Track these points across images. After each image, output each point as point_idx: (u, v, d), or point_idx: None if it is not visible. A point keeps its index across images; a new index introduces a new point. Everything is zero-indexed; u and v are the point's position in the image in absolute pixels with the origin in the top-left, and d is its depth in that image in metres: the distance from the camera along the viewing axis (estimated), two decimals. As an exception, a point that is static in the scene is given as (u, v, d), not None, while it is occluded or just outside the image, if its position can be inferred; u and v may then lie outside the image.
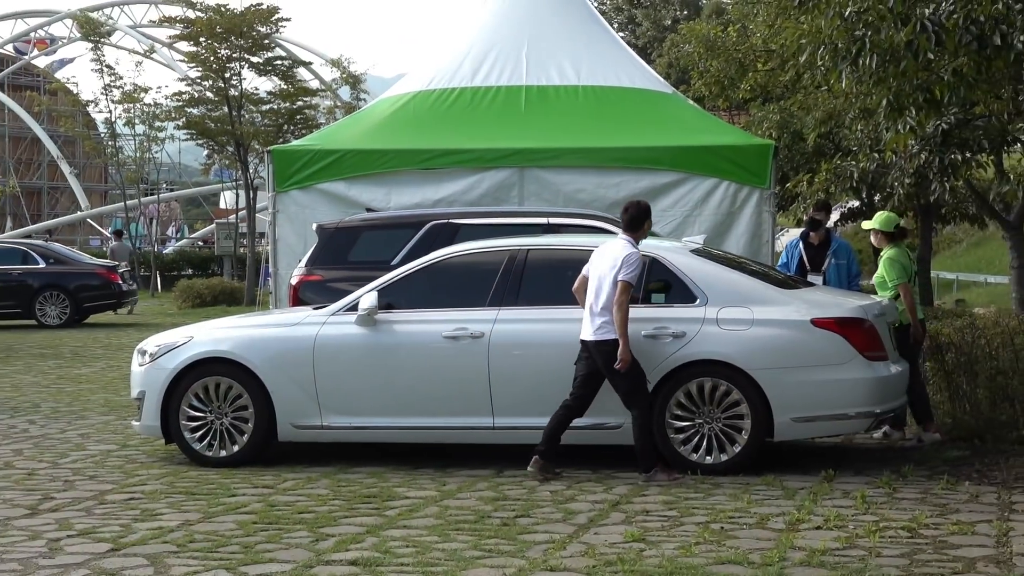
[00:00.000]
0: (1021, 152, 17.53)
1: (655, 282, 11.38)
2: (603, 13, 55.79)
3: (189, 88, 44.24)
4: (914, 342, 12.50)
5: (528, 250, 11.88)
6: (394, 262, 13.73)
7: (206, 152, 51.55)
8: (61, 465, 11.99)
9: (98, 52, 49.74)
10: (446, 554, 8.33)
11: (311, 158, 17.04)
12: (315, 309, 12.26)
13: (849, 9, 11.35)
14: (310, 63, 67.20)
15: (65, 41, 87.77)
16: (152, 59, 73.80)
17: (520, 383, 11.37)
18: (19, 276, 30.52)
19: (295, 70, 47.33)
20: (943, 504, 9.72)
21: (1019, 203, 18.99)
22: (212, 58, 41.92)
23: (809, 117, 21.57)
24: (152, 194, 63.21)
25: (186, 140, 49.65)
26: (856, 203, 23.58)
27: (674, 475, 10.73)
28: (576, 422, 11.06)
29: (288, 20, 44.01)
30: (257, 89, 44.11)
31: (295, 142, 21.10)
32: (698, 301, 11.20)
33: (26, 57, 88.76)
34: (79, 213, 76.67)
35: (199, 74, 43.37)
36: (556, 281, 11.78)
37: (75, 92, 58.38)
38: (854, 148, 19.26)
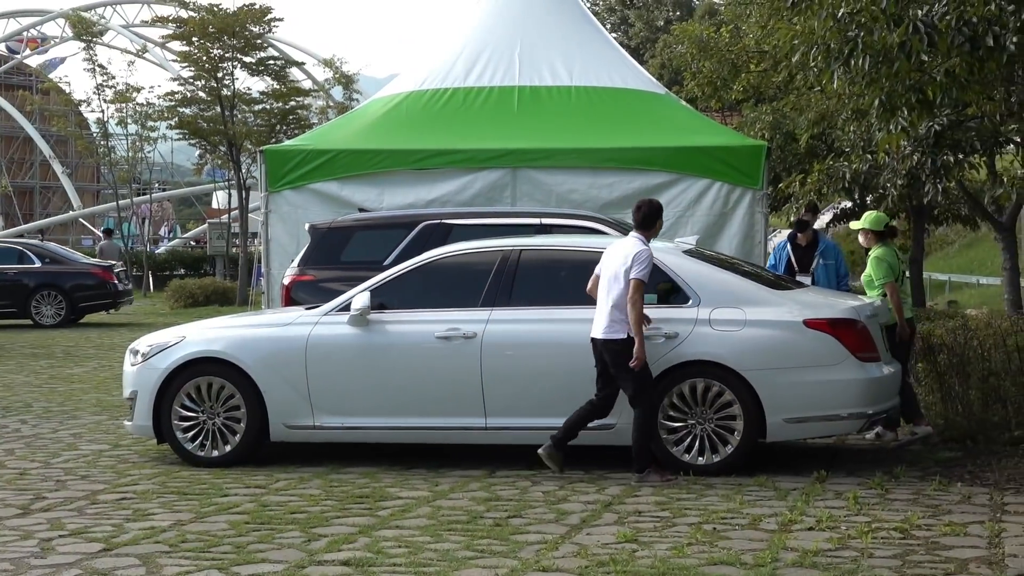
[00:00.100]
0: (1013, 154, 17.52)
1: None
2: (596, 14, 55.79)
3: (181, 88, 44.22)
4: (899, 340, 12.50)
5: (521, 250, 11.88)
6: (387, 262, 13.72)
7: (198, 152, 51.50)
8: (53, 465, 11.97)
9: (90, 52, 49.67)
10: (438, 554, 8.33)
11: (304, 158, 17.03)
12: (307, 309, 12.25)
13: (842, 10, 11.35)
14: (303, 63, 67.14)
15: (57, 40, 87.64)
16: (144, 59, 73.82)
17: (512, 383, 11.37)
18: (15, 275, 30.49)
19: (288, 70, 47.32)
20: (935, 505, 9.72)
21: (1011, 205, 19.01)
22: (205, 58, 41.90)
23: (802, 118, 21.58)
24: (144, 194, 63.07)
25: (178, 140, 49.62)
26: (848, 204, 23.59)
27: (667, 476, 10.73)
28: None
29: (281, 20, 44.03)
30: (250, 89, 44.15)
31: (288, 142, 21.08)
32: (691, 302, 11.21)
33: (18, 56, 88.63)
34: (71, 213, 76.56)
35: (192, 74, 43.35)
36: (549, 281, 11.79)
37: (67, 91, 58.26)
38: (847, 149, 19.26)
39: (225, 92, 41.91)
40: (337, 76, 51.47)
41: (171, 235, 76.81)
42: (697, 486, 10.50)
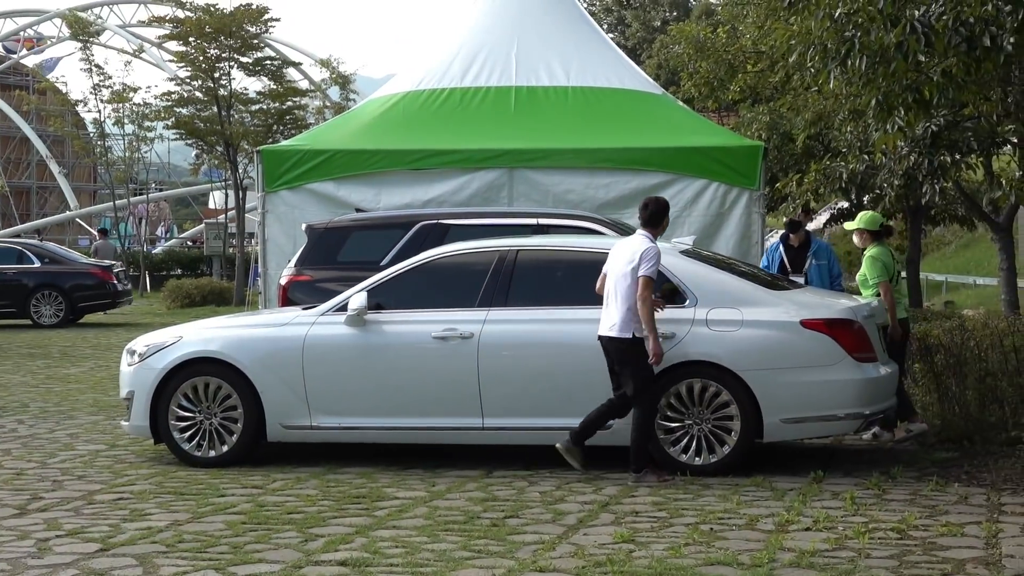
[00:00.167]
0: (1010, 154, 17.52)
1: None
2: (592, 14, 55.72)
3: (178, 88, 44.17)
4: (890, 340, 12.50)
5: (518, 251, 11.88)
6: (384, 262, 13.72)
7: (195, 152, 51.48)
8: (50, 465, 11.96)
9: (87, 52, 49.64)
10: (435, 555, 8.33)
11: (300, 158, 17.02)
12: (304, 309, 12.25)
13: (839, 10, 11.35)
14: (299, 63, 67.16)
15: (54, 40, 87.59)
16: (141, 59, 73.71)
17: (509, 384, 11.37)
18: (14, 275, 30.50)
19: (284, 70, 47.28)
20: (932, 505, 9.73)
21: (1008, 205, 19.01)
22: (201, 58, 41.86)
23: (799, 118, 21.56)
24: (141, 194, 63.07)
25: (175, 140, 49.61)
26: (845, 204, 23.59)
27: (664, 476, 10.74)
28: (568, 423, 11.08)
29: (278, 20, 44.01)
30: (246, 89, 44.10)
31: (284, 142, 21.07)
32: (687, 302, 11.21)
33: (15, 56, 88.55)
34: (68, 213, 76.49)
35: (188, 74, 43.31)
36: (546, 282, 11.79)
37: (64, 92, 58.19)
38: (843, 149, 19.25)
39: (222, 92, 41.89)
40: (334, 76, 51.45)
41: (168, 235, 76.80)
42: (694, 486, 10.51)
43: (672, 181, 16.46)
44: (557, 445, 10.97)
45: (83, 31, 51.12)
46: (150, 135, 51.86)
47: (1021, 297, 20.42)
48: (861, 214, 13.54)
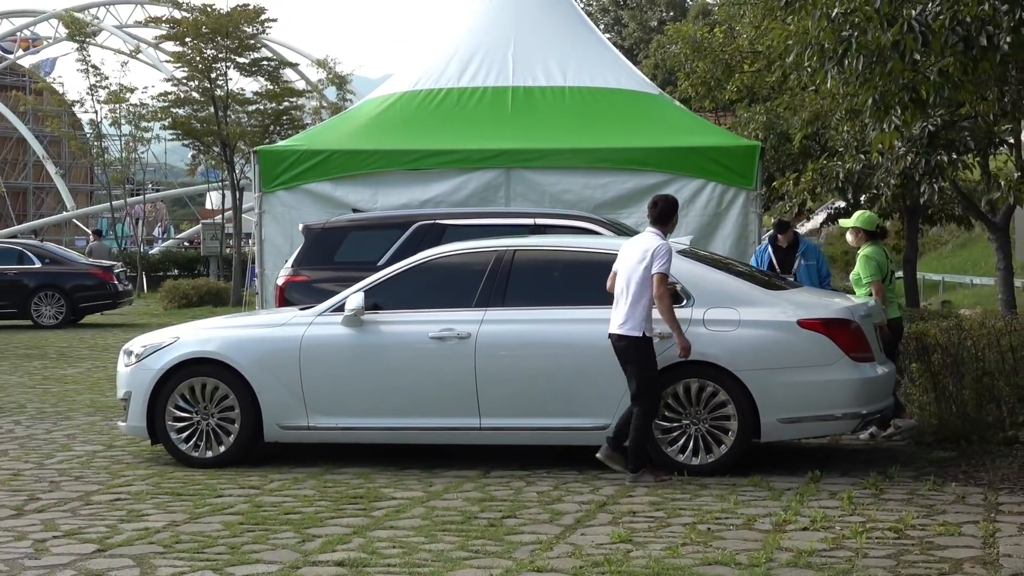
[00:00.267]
0: (1006, 154, 17.51)
1: None
2: (589, 14, 55.81)
3: (175, 88, 44.19)
4: (881, 339, 12.50)
5: (515, 251, 11.87)
6: (381, 263, 13.71)
7: (192, 153, 51.47)
8: (47, 466, 11.96)
9: (84, 52, 49.64)
10: (433, 555, 8.32)
11: (297, 158, 17.02)
12: (301, 310, 12.25)
13: (836, 10, 11.35)
14: (296, 64, 67.18)
15: (51, 41, 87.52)
16: (138, 59, 73.66)
17: (506, 384, 11.37)
18: (15, 276, 30.52)
19: (281, 71, 47.29)
20: (930, 505, 9.73)
21: (1005, 205, 19.01)
22: (198, 58, 41.88)
23: (795, 118, 21.56)
24: (138, 194, 63.11)
25: (172, 140, 49.58)
26: (842, 204, 23.60)
27: (661, 476, 10.73)
28: (566, 423, 11.10)
29: (274, 21, 44.06)
30: (243, 90, 44.11)
31: (281, 143, 21.06)
32: (685, 302, 11.20)
33: (11, 56, 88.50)
34: (65, 213, 76.46)
35: (185, 74, 43.33)
36: (543, 282, 11.78)
37: (61, 92, 58.16)
38: (840, 149, 19.25)
39: (219, 93, 41.91)
40: (331, 77, 51.46)
41: (165, 236, 76.83)
42: (691, 486, 10.51)
43: (669, 181, 16.45)
44: (598, 455, 10.93)
45: (80, 31, 51.15)
46: (147, 136, 51.90)
47: (1018, 296, 20.44)
48: (858, 213, 13.55)
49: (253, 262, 24.58)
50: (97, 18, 74.77)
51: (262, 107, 43.46)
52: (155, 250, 61.94)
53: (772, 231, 15.76)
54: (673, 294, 11.15)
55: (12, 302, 30.36)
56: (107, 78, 49.82)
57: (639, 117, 17.55)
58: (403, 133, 17.34)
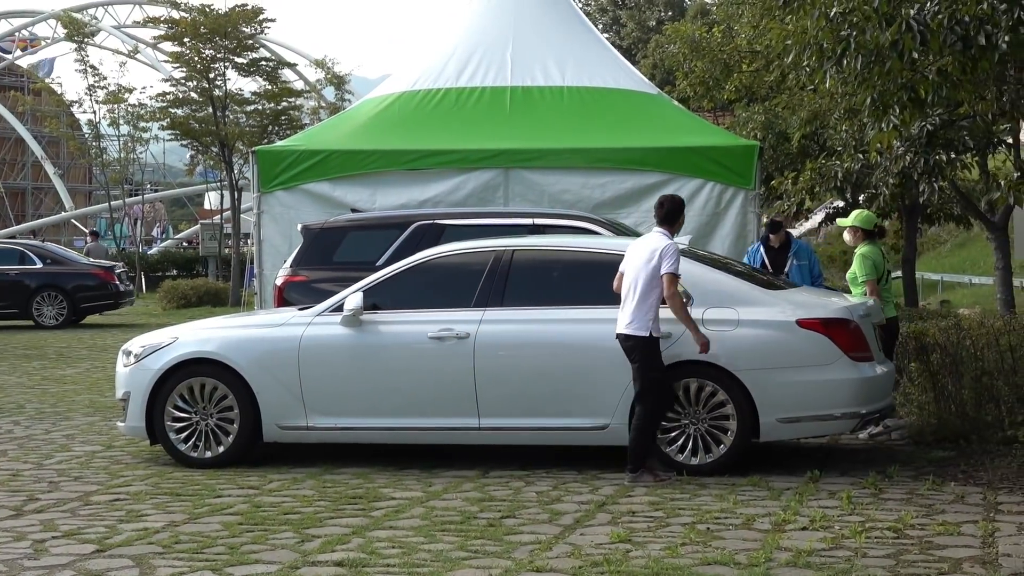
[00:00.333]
0: (1005, 153, 17.50)
1: None
2: (588, 14, 55.87)
3: (173, 89, 44.18)
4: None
5: (514, 251, 11.87)
6: (379, 263, 13.72)
7: (190, 153, 51.46)
8: (46, 466, 11.95)
9: (82, 52, 49.61)
10: (432, 555, 8.32)
11: (296, 159, 17.03)
12: (300, 310, 12.24)
13: (834, 10, 11.34)
14: (295, 64, 67.17)
15: (49, 41, 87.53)
16: (136, 59, 73.73)
17: (505, 384, 11.36)
18: (16, 276, 30.51)
19: (280, 71, 47.28)
20: (929, 504, 9.73)
21: (1004, 204, 19.01)
22: (196, 59, 41.88)
23: (794, 118, 21.56)
24: (136, 195, 63.10)
25: (170, 141, 49.59)
26: (841, 203, 23.59)
27: (660, 476, 10.73)
28: (565, 423, 11.10)
29: (273, 21, 44.10)
30: (241, 90, 44.12)
31: (280, 143, 21.07)
32: (684, 302, 11.18)
33: (9, 57, 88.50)
34: (63, 214, 76.48)
35: (183, 75, 43.32)
36: (542, 282, 11.78)
37: (59, 92, 58.12)
38: (839, 148, 19.25)
39: (217, 93, 41.91)
40: (329, 77, 51.44)
41: (163, 236, 76.85)
42: (691, 486, 10.50)
43: (668, 181, 16.47)
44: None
45: (78, 32, 51.09)
46: (145, 136, 51.84)
47: (1017, 296, 20.43)
48: (856, 212, 13.56)
49: (252, 262, 24.57)
50: (95, 18, 74.70)
51: (260, 107, 43.47)
52: (154, 250, 61.94)
53: (764, 231, 15.77)
54: None
55: (13, 302, 30.36)
56: (105, 78, 49.82)
57: (638, 117, 17.56)
58: (401, 133, 17.35)
